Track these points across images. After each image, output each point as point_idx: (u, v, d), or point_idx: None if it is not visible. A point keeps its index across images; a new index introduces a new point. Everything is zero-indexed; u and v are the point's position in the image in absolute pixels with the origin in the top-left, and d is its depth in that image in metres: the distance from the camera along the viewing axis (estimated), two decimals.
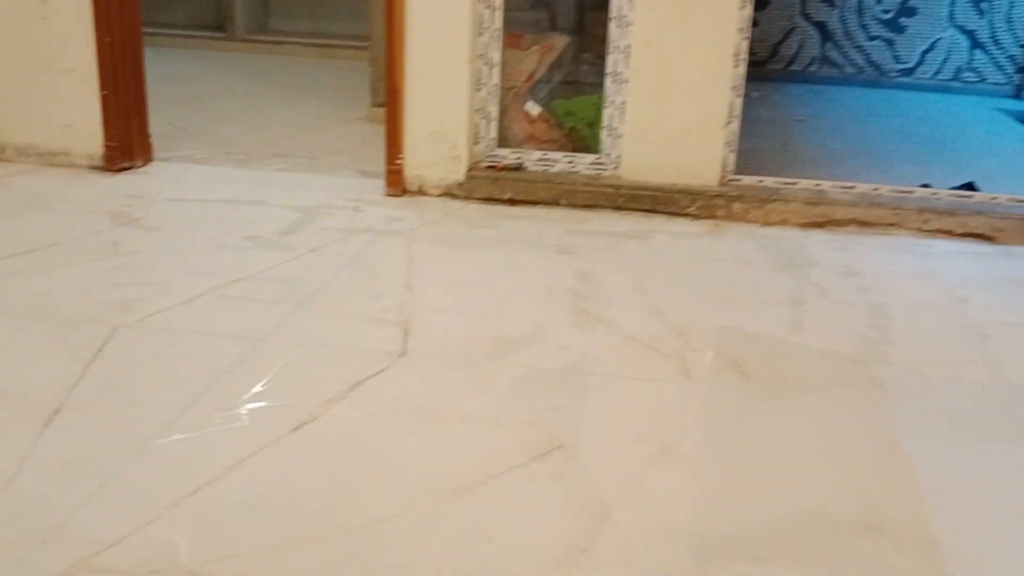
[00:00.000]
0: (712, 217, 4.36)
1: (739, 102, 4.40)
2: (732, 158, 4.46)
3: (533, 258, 3.79)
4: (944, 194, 4.48)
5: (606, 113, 4.49)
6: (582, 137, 4.72)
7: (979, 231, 4.23)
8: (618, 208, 4.40)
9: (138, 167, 4.86)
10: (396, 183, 4.55)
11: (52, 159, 4.83)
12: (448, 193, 4.54)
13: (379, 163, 4.94)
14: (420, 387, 2.71)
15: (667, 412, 2.61)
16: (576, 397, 2.68)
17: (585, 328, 3.13)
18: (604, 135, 4.52)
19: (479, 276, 3.59)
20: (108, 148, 4.76)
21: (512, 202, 4.48)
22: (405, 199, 4.51)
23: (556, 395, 2.68)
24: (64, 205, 4.23)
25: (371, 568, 1.97)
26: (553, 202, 4.45)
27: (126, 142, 4.80)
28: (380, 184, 4.65)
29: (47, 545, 1.96)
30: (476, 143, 4.60)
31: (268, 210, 4.28)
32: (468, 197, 4.52)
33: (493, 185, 4.51)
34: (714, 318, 3.24)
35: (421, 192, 4.56)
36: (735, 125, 4.42)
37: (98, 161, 4.78)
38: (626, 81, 4.39)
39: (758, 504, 2.23)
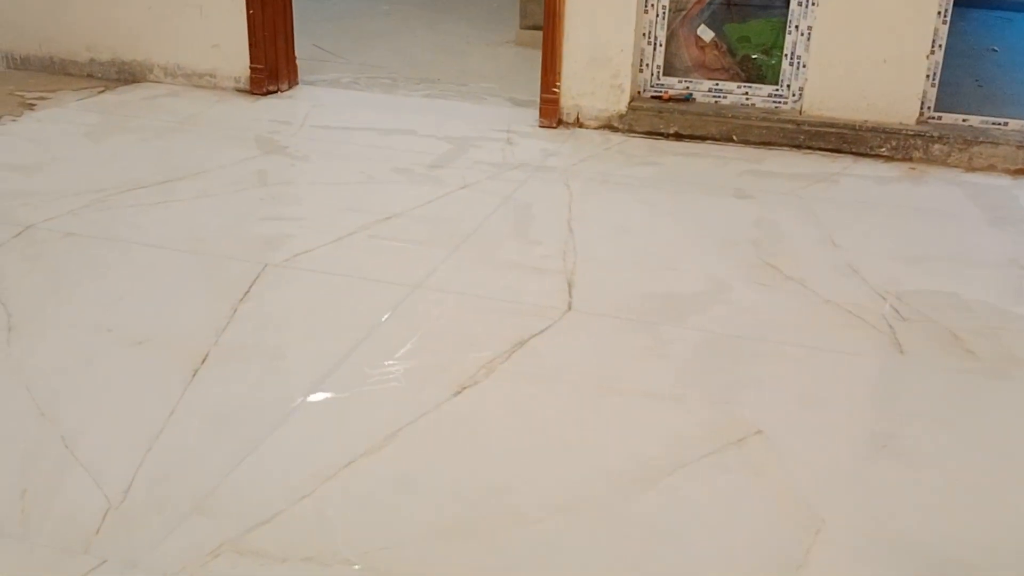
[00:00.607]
0: (907, 160, 3.86)
1: (944, 29, 3.86)
2: (933, 93, 3.94)
3: (706, 202, 3.42)
4: None
5: (788, 39, 4.02)
6: (756, 66, 4.25)
7: None
8: (798, 147, 3.95)
9: (284, 91, 4.68)
10: (551, 113, 4.22)
11: (198, 80, 4.71)
12: (608, 126, 4.19)
13: (531, 91, 4.62)
14: (590, 350, 2.42)
15: (879, 395, 2.26)
16: (770, 372, 2.34)
17: (772, 287, 2.77)
18: (785, 64, 4.06)
19: (646, 221, 3.26)
20: (254, 70, 4.59)
21: (678, 137, 4.09)
22: (560, 131, 4.19)
23: (746, 368, 2.36)
24: (210, 129, 4.09)
25: (547, 571, 1.72)
26: (725, 138, 4.04)
27: (272, 64, 4.62)
28: (533, 114, 4.34)
29: (195, 518, 1.79)
30: (641, 71, 4.21)
31: (417, 140, 4.04)
32: (629, 130, 4.16)
33: (658, 118, 4.12)
34: (922, 280, 2.82)
35: (578, 124, 4.23)
36: (939, 56, 3.88)
37: (244, 84, 4.63)
38: (814, 3, 3.89)
39: (998, 514, 1.87)
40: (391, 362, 2.34)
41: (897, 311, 2.63)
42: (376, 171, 3.64)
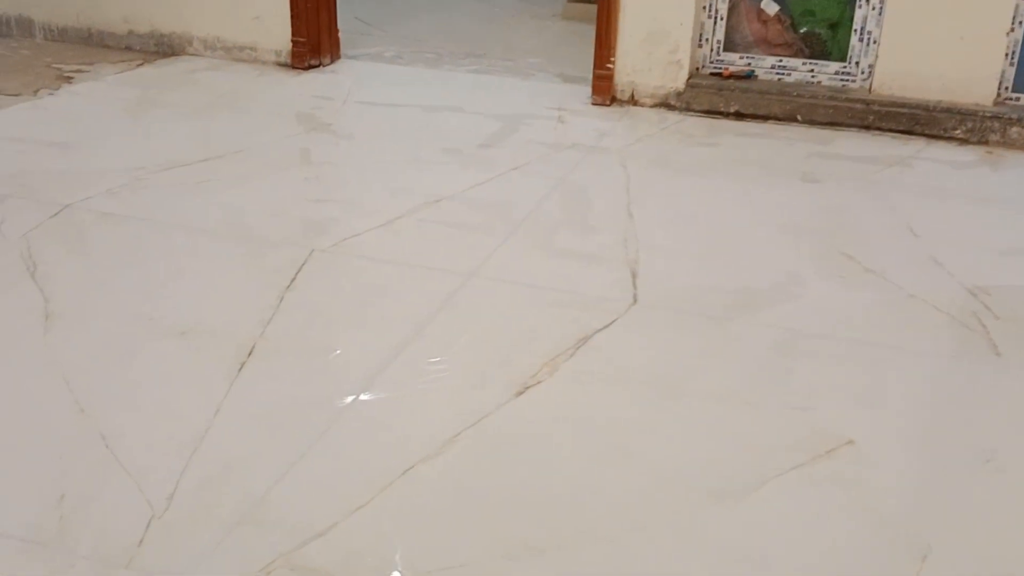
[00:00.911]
0: (983, 143, 3.64)
1: None
2: (1011, 73, 3.71)
3: (772, 186, 3.23)
4: None
5: (858, 14, 3.80)
6: (821, 41, 4.03)
7: None
8: (867, 127, 3.75)
9: (326, 65, 4.54)
10: (604, 90, 4.04)
11: (238, 54, 4.57)
12: (664, 103, 4.00)
13: (580, 66, 4.44)
14: (658, 348, 2.27)
15: (977, 402, 2.08)
16: (854, 374, 2.17)
17: (850, 280, 2.59)
18: (853, 40, 3.84)
19: (710, 207, 3.08)
20: (296, 44, 4.45)
21: (739, 116, 3.90)
22: (614, 109, 4.01)
23: (827, 370, 2.19)
24: (252, 105, 3.95)
25: None
26: (788, 118, 3.84)
27: (314, 37, 4.47)
28: (584, 91, 4.16)
29: (245, 528, 1.66)
30: (700, 46, 4.01)
31: (464, 118, 3.88)
32: (687, 109, 3.97)
33: (717, 96, 3.93)
34: (1013, 276, 2.63)
35: (632, 101, 4.04)
36: (1019, 34, 3.65)
37: (285, 57, 4.49)
38: None
39: None
40: (446, 358, 2.19)
41: (989, 308, 2.44)
42: (423, 150, 3.49)
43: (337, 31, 4.59)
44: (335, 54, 4.61)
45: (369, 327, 2.33)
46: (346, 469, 1.83)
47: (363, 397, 2.05)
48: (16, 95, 3.94)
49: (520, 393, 2.06)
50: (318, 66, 4.50)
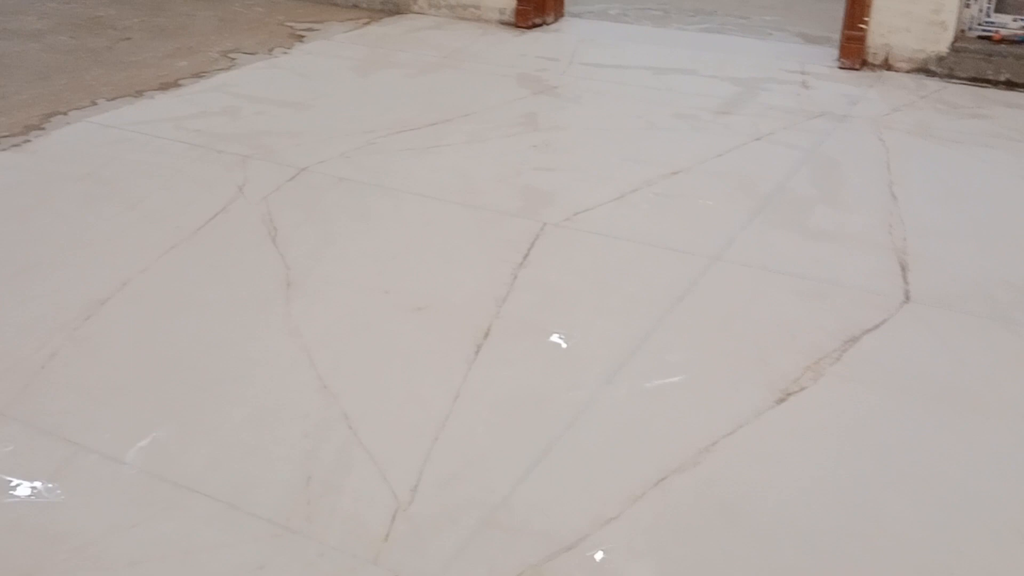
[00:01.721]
0: None
1: None
2: None
3: None
4: None
5: None
6: None
7: None
8: None
9: (549, 23, 4.40)
10: (854, 53, 3.68)
11: (462, 12, 4.51)
12: (923, 69, 3.61)
13: (823, 25, 4.09)
14: (939, 354, 2.00)
15: None
16: None
17: None
18: None
19: (985, 186, 2.73)
20: (520, 2, 4.33)
21: (1010, 85, 3.46)
22: (865, 73, 3.65)
23: None
24: (477, 65, 3.87)
25: None
26: None
27: None
28: (830, 52, 3.82)
29: (490, 532, 1.57)
30: (967, 6, 3.58)
31: (698, 81, 3.64)
32: (949, 75, 3.56)
33: (986, 62, 3.50)
34: None
35: (886, 66, 3.67)
36: None
37: (509, 16, 4.38)
38: None
39: None
40: (695, 352, 2.02)
41: None
42: (656, 116, 3.30)
43: None
44: (559, 11, 4.46)
45: (607, 313, 2.19)
46: (593, 473, 1.70)
47: (604, 392, 1.91)
48: (253, 53, 4.03)
49: (782, 400, 1.86)
50: (541, 24, 4.37)
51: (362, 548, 1.54)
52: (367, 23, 4.49)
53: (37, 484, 1.64)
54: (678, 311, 2.17)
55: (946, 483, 1.65)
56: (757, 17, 4.41)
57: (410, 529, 1.58)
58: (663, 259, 2.39)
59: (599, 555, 1.52)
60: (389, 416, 1.84)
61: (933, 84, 3.52)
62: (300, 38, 4.29)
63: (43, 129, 3.15)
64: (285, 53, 4.07)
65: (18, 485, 1.64)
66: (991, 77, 3.49)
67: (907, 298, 2.18)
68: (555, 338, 2.09)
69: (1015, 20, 3.56)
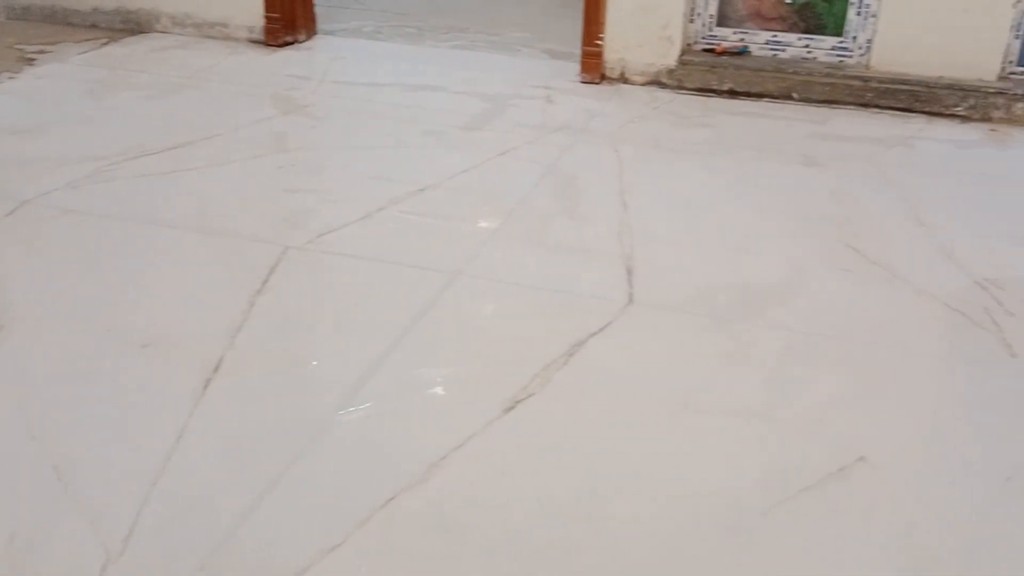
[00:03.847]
0: (986, 120, 3.51)
1: None
2: (1016, 47, 3.56)
3: (771, 170, 3.08)
4: None
5: None
6: (816, 15, 3.87)
7: None
8: (865, 105, 3.60)
9: (301, 41, 4.34)
10: (593, 68, 3.87)
11: (209, 30, 4.37)
12: (655, 81, 3.84)
13: (568, 42, 4.27)
14: (658, 355, 2.12)
15: (992, 410, 1.95)
16: (862, 380, 2.04)
17: (857, 275, 2.45)
18: (851, 14, 3.68)
19: (708, 193, 2.93)
20: (269, 20, 4.25)
21: (732, 94, 3.74)
22: (604, 87, 3.84)
23: (834, 376, 2.05)
24: (223, 86, 3.77)
25: None
26: (783, 96, 3.69)
27: (289, 12, 4.27)
28: (572, 67, 3.99)
29: (207, 573, 1.52)
30: (691, 21, 3.84)
31: (448, 98, 3.70)
32: (679, 87, 3.80)
33: (710, 73, 3.76)
34: None
35: (623, 79, 3.87)
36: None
37: (258, 34, 4.29)
38: None
39: None
40: (433, 368, 2.05)
41: (1001, 303, 2.31)
42: (405, 134, 3.32)
43: (312, 5, 4.40)
44: (311, 29, 4.41)
45: (346, 335, 2.18)
46: (321, 501, 1.68)
47: (340, 417, 1.90)
48: None
49: (509, 409, 1.92)
50: (293, 43, 4.31)
51: None
52: (106, 43, 4.26)
53: None
54: (418, 328, 2.19)
55: (669, 483, 1.75)
56: (508, 34, 4.54)
57: None
58: (406, 277, 2.41)
59: None
60: (104, 463, 1.75)
61: (665, 96, 3.75)
62: (30, 61, 4.01)
63: None
64: (12, 78, 3.80)
65: None
66: (716, 87, 3.76)
67: (630, 300, 2.31)
68: (289, 365, 2.06)
69: (734, 33, 3.85)
